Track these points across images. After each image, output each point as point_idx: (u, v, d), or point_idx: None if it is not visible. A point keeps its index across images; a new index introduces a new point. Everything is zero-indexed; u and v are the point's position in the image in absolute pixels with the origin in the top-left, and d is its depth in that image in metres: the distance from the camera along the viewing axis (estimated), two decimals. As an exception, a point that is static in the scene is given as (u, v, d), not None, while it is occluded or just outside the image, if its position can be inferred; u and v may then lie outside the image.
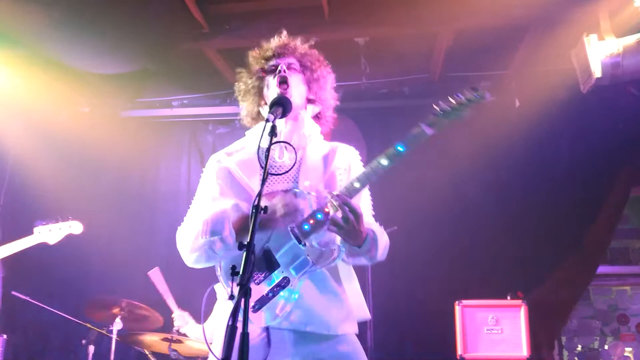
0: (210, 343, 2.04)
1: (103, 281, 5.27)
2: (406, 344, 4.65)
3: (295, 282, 1.96)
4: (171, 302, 4.07)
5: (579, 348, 5.34)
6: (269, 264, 1.98)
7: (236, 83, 2.38)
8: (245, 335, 1.51)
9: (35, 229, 3.31)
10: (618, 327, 5.42)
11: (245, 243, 1.60)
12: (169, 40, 4.62)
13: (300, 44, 2.33)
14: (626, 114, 4.90)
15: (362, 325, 4.21)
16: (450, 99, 2.01)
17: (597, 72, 3.93)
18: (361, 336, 4.20)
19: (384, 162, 1.98)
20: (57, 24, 4.12)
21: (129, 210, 5.63)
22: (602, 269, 5.27)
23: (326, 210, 1.93)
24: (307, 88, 2.26)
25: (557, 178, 5.02)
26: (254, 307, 1.93)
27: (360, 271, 4.19)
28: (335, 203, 1.89)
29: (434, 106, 2.02)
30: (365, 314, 2.24)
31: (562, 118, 4.98)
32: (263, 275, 1.97)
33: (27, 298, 4.30)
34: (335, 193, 1.93)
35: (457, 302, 4.13)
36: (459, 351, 4.02)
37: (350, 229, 1.90)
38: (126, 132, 5.79)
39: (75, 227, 3.49)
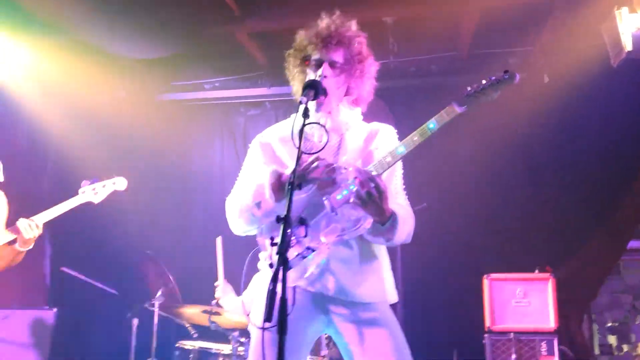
0: (248, 314, 2.20)
1: (144, 257, 5.51)
2: (435, 316, 4.77)
3: (324, 248, 2.09)
4: (220, 272, 4.18)
5: (610, 322, 5.37)
6: (303, 229, 2.10)
7: (286, 63, 2.44)
8: (284, 300, 1.66)
9: (80, 190, 3.30)
10: (649, 301, 5.44)
11: (283, 216, 1.74)
12: (201, 25, 4.76)
13: (349, 33, 2.33)
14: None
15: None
16: (483, 80, 2.08)
17: (628, 45, 3.93)
18: (392, 309, 4.38)
19: (416, 138, 2.08)
20: (95, 11, 4.31)
21: (165, 189, 5.84)
22: (633, 244, 5.27)
23: (354, 184, 2.03)
24: (347, 83, 2.32)
25: (587, 153, 5.02)
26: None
27: (390, 249, 4.35)
28: (361, 178, 1.99)
29: (467, 87, 2.09)
30: (393, 296, 2.33)
31: (591, 93, 4.96)
32: (296, 240, 2.09)
33: (76, 274, 4.53)
34: (363, 169, 2.03)
35: (485, 275, 4.23)
36: (487, 323, 4.12)
37: (373, 204, 1.99)
38: (161, 115, 5.98)
39: (119, 183, 3.46)
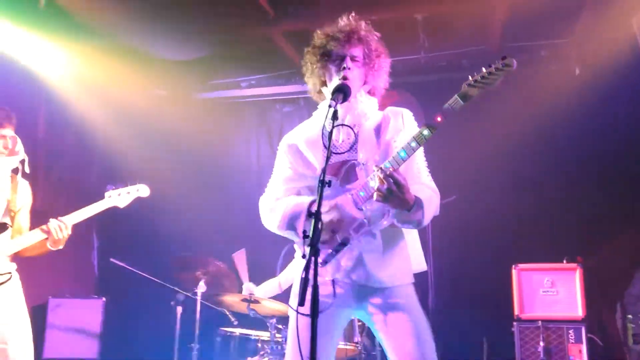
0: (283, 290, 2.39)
1: (185, 248, 5.78)
2: (466, 305, 4.89)
3: (354, 242, 2.26)
4: (244, 276, 4.42)
5: (642, 312, 5.40)
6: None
7: (303, 61, 2.58)
8: (315, 287, 1.84)
9: (106, 194, 3.43)
10: (682, 291, 5.42)
11: (314, 212, 1.92)
12: (237, 26, 4.97)
13: (366, 32, 2.48)
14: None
15: (423, 287, 4.53)
16: (483, 68, 2.19)
17: (657, 39, 3.96)
18: (422, 298, 4.52)
19: (425, 132, 2.20)
20: (138, 17, 4.56)
21: (205, 184, 6.08)
22: (667, 234, 5.28)
23: (373, 181, 2.17)
24: (365, 77, 2.48)
25: (618, 145, 5.03)
26: (321, 262, 2.24)
27: (422, 238, 4.48)
28: (380, 176, 2.13)
29: (469, 76, 2.21)
30: (422, 266, 2.49)
31: (622, 85, 4.96)
32: (329, 236, 2.27)
33: (124, 264, 4.80)
34: (380, 166, 2.17)
35: (513, 265, 4.33)
36: (516, 311, 4.24)
37: (395, 198, 2.13)
38: (200, 113, 6.24)
39: (142, 190, 3.57)
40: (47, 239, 3.20)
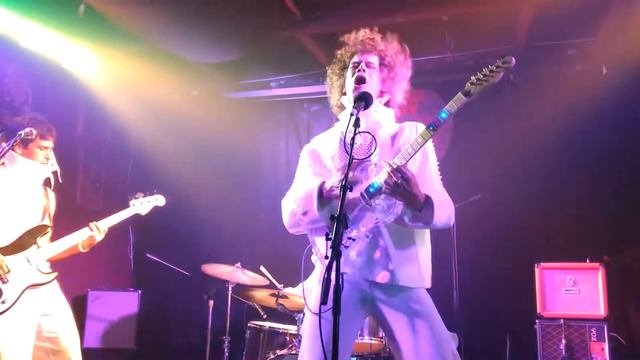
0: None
1: (216, 245, 5.98)
2: (490, 302, 4.96)
3: (363, 237, 2.36)
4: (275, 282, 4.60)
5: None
6: (345, 222, 2.38)
7: (326, 78, 2.75)
8: (338, 286, 1.97)
9: (130, 202, 3.77)
10: None
11: (336, 216, 2.05)
12: (266, 30, 5.11)
13: (382, 40, 2.61)
14: None
15: (448, 284, 4.62)
16: (484, 69, 2.28)
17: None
18: (448, 295, 4.63)
19: (431, 128, 2.31)
20: (171, 22, 4.74)
21: (235, 182, 6.27)
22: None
23: (382, 175, 2.28)
24: (382, 84, 2.59)
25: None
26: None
27: (446, 238, 4.58)
28: (388, 169, 2.24)
29: (472, 77, 2.30)
30: (427, 282, 2.52)
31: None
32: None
33: (158, 259, 5.02)
34: (389, 161, 2.27)
35: (536, 264, 4.40)
36: (538, 309, 4.31)
37: (402, 191, 2.22)
38: (231, 112, 6.42)
39: (159, 200, 3.91)
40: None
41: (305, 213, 2.49)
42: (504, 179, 5.19)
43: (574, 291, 4.27)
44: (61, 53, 5.35)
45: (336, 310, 1.95)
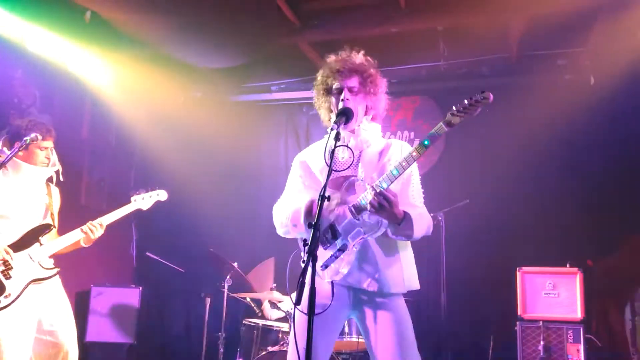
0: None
1: (216, 245, 6.16)
2: (475, 305, 5.14)
3: (351, 248, 2.56)
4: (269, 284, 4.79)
5: (653, 315, 5.54)
6: (334, 234, 2.61)
7: (314, 97, 2.92)
8: (312, 289, 2.16)
9: (132, 198, 3.89)
10: (693, 295, 5.54)
11: (313, 223, 2.23)
12: (266, 37, 5.29)
13: (360, 61, 2.76)
14: None
15: (436, 286, 4.80)
16: (465, 100, 2.43)
17: (662, 54, 4.11)
18: (436, 297, 4.80)
19: (414, 153, 2.48)
20: (176, 30, 4.94)
21: (236, 184, 6.44)
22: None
23: (368, 197, 2.47)
24: (366, 102, 2.76)
25: (630, 152, 5.16)
26: (322, 266, 2.56)
27: (436, 241, 4.75)
28: (372, 192, 2.43)
29: (453, 107, 2.46)
30: (414, 284, 2.72)
31: (635, 94, 5.10)
32: (329, 243, 2.60)
33: (158, 258, 5.21)
34: (374, 184, 2.46)
35: (518, 268, 4.57)
36: (519, 312, 4.49)
37: (385, 212, 2.43)
38: (233, 114, 6.60)
39: (161, 195, 4.03)
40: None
41: (295, 226, 2.71)
42: (493, 185, 5.35)
43: (553, 294, 4.45)
44: (68, 57, 5.55)
45: (310, 310, 2.14)
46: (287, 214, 2.75)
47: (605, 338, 4.76)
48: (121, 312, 5.60)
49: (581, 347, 4.24)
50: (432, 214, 4.84)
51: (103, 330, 5.50)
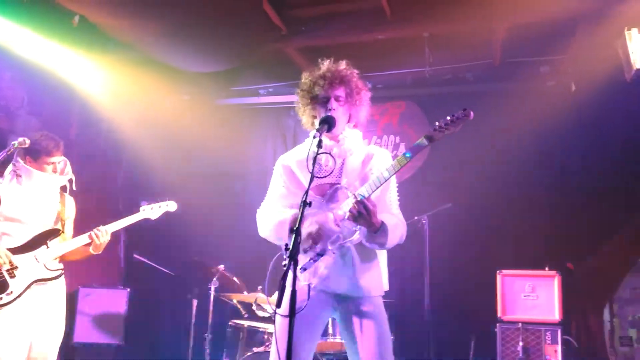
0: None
1: (203, 247, 6.21)
2: (457, 306, 5.24)
3: (330, 253, 2.64)
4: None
5: (630, 317, 5.68)
6: (315, 238, 2.67)
7: (296, 102, 2.97)
8: (293, 293, 2.24)
9: (141, 207, 4.05)
10: (669, 297, 5.69)
11: (295, 229, 2.31)
12: (253, 43, 5.36)
13: (346, 72, 2.83)
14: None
15: (420, 289, 4.89)
16: (447, 116, 2.52)
17: (637, 63, 4.24)
18: (419, 299, 4.89)
19: (396, 165, 2.56)
20: (163, 35, 5.00)
21: (224, 185, 6.51)
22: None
23: (348, 205, 2.56)
24: (349, 112, 2.85)
25: (610, 157, 5.29)
26: (300, 269, 2.63)
27: (419, 244, 4.84)
28: (353, 201, 2.52)
29: (436, 123, 2.55)
30: (386, 285, 2.83)
31: (617, 99, 5.21)
32: (309, 247, 2.68)
33: (145, 260, 5.26)
34: (355, 193, 2.55)
35: (498, 271, 4.68)
36: (499, 314, 4.61)
37: (363, 220, 2.52)
38: (221, 117, 6.66)
39: (171, 206, 4.20)
40: (89, 244, 3.74)
41: (279, 239, 2.80)
42: (476, 189, 5.46)
43: (532, 297, 4.57)
44: (56, 60, 5.58)
45: (291, 312, 2.22)
46: (270, 227, 2.84)
47: (585, 339, 4.88)
48: (109, 314, 5.65)
49: (559, 348, 4.35)
50: (415, 218, 5.03)
51: (91, 332, 5.54)
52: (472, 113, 2.48)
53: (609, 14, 4.65)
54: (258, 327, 4.71)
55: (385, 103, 6.29)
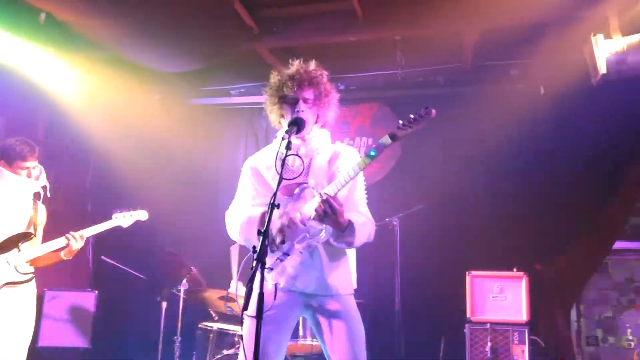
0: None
1: (173, 248, 6.12)
2: (427, 307, 5.28)
3: (296, 252, 2.64)
4: (234, 271, 4.83)
5: (597, 317, 5.79)
6: (282, 238, 2.67)
7: (264, 100, 2.96)
8: (261, 296, 2.22)
9: (114, 215, 4.12)
10: (634, 297, 5.81)
11: (262, 230, 2.29)
12: (225, 43, 5.30)
13: (316, 74, 2.83)
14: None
15: (391, 290, 4.91)
16: (411, 115, 2.53)
17: (602, 69, 4.31)
18: (390, 300, 4.91)
19: (361, 163, 2.56)
20: (132, 34, 4.92)
21: (194, 186, 6.44)
22: (622, 245, 5.64)
23: (314, 205, 2.55)
24: (317, 113, 2.85)
25: (576, 159, 5.37)
26: (267, 269, 2.59)
27: (391, 245, 4.86)
28: (319, 200, 2.51)
29: (400, 121, 2.55)
30: (354, 283, 2.86)
31: (585, 103, 5.28)
32: (276, 246, 2.66)
33: (114, 262, 5.19)
34: (321, 192, 2.53)
35: (467, 272, 4.73)
36: (468, 314, 4.65)
37: (330, 220, 2.52)
38: (192, 118, 6.59)
39: (142, 215, 4.28)
40: (61, 249, 3.76)
41: (247, 240, 2.79)
42: (446, 191, 5.50)
43: (500, 298, 4.62)
44: (22, 58, 5.45)
45: (259, 314, 2.20)
46: (237, 228, 2.82)
47: (552, 339, 4.95)
48: (76, 316, 5.55)
49: (526, 348, 4.41)
50: (387, 219, 5.04)
51: (57, 335, 5.44)
52: (433, 111, 2.49)
53: (577, 20, 4.75)
54: (228, 330, 4.68)
55: (358, 105, 6.31)
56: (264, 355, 2.54)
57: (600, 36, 4.32)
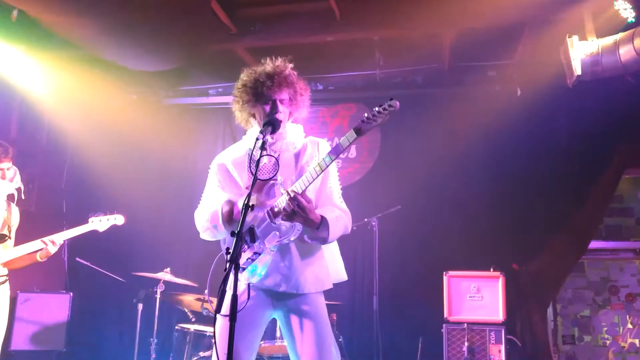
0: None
1: (150, 250, 6.08)
2: (405, 307, 5.29)
3: (268, 251, 2.61)
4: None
5: (573, 316, 5.86)
6: (252, 237, 2.66)
7: (234, 95, 2.90)
8: (234, 297, 2.18)
9: (90, 219, 4.11)
10: (609, 297, 5.89)
11: (236, 232, 2.26)
12: (202, 42, 5.26)
13: (292, 74, 2.79)
14: (621, 98, 5.17)
15: (369, 290, 4.90)
16: (375, 108, 2.48)
17: (577, 70, 4.36)
18: (368, 300, 4.89)
19: (327, 159, 2.53)
20: (107, 31, 4.85)
21: (171, 186, 6.37)
22: (597, 244, 5.73)
23: (283, 203, 2.53)
24: (290, 112, 2.83)
25: (552, 160, 5.44)
26: (240, 268, 2.57)
27: (369, 245, 4.86)
28: (287, 198, 2.48)
29: (365, 114, 2.51)
30: (342, 276, 2.83)
31: (560, 104, 5.40)
32: (247, 245, 2.64)
33: (88, 263, 5.11)
34: (288, 190, 2.50)
35: (444, 272, 4.74)
36: (445, 314, 4.66)
37: (299, 218, 2.49)
38: (169, 117, 6.52)
39: (118, 219, 4.28)
40: (36, 251, 3.74)
41: (215, 227, 2.74)
42: (424, 191, 5.53)
43: (477, 298, 4.65)
44: (-6, 55, 5.36)
45: (232, 316, 2.17)
46: (206, 217, 2.79)
47: (529, 338, 4.99)
48: (50, 319, 5.45)
49: (502, 348, 4.44)
50: (365, 219, 5.03)
51: (30, 338, 5.33)
52: (397, 103, 2.44)
53: (553, 22, 4.80)
54: (205, 331, 4.63)
55: (336, 105, 6.30)
56: (235, 355, 2.51)
57: (575, 38, 4.37)
